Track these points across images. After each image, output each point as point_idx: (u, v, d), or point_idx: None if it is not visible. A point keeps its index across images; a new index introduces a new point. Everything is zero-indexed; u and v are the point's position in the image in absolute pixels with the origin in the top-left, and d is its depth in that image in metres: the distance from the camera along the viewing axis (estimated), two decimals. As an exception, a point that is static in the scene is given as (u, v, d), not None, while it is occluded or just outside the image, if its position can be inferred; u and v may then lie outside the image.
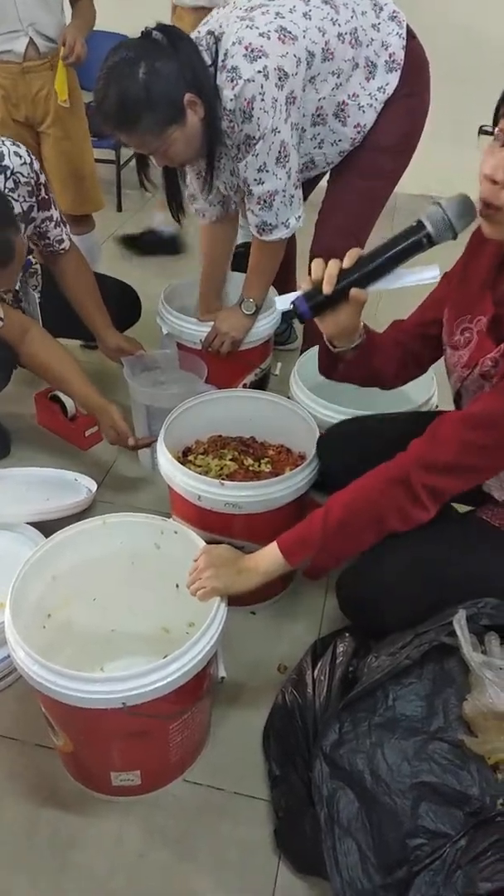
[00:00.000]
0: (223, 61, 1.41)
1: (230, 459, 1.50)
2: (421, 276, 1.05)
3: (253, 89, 1.40)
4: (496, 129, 0.91)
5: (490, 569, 1.15)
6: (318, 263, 1.06)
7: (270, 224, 1.60)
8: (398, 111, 1.62)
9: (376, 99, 1.59)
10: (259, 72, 1.39)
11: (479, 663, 1.07)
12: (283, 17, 1.45)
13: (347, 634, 1.31)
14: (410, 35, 1.60)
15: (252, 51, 1.39)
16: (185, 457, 1.51)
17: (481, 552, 1.16)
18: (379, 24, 1.56)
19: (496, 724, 1.05)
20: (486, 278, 1.08)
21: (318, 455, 1.35)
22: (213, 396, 1.54)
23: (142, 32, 1.40)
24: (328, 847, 1.02)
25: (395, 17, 1.58)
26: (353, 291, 1.05)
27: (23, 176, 1.51)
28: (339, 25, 1.50)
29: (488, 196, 0.92)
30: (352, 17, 1.52)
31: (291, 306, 1.08)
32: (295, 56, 1.44)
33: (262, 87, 1.40)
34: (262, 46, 1.40)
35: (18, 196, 1.52)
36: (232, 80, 1.40)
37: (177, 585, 1.18)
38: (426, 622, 1.14)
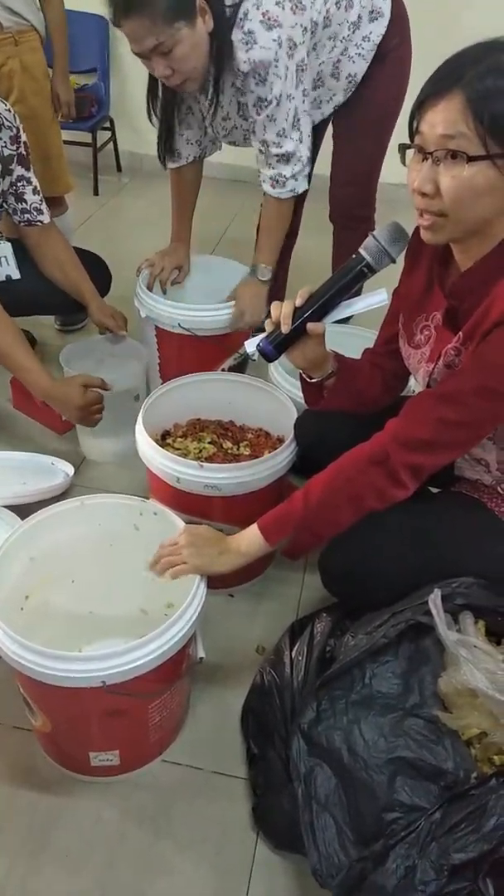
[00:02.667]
0: (241, 19, 1.46)
1: (209, 442, 1.50)
2: (369, 301, 1.14)
3: (268, 56, 1.47)
4: (414, 143, 0.94)
5: (472, 536, 1.18)
6: (275, 305, 1.14)
7: (285, 176, 1.66)
8: (394, 61, 1.73)
9: (363, 48, 1.68)
10: (274, 40, 1.47)
11: (453, 641, 1.09)
12: None
13: (325, 614, 1.32)
14: None
15: (269, 19, 1.46)
16: (163, 440, 1.51)
17: (463, 518, 1.19)
18: None
19: (470, 700, 1.07)
20: (431, 277, 1.12)
21: (296, 437, 1.36)
22: (192, 380, 1.53)
23: None
24: (306, 822, 1.03)
25: None
26: (310, 326, 1.12)
27: (6, 120, 1.48)
28: None
29: (422, 206, 0.96)
30: None
31: (257, 349, 1.15)
32: (302, 26, 1.54)
33: (276, 54, 1.48)
34: (277, 17, 1.46)
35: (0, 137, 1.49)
36: (247, 44, 1.46)
37: (147, 574, 1.17)
38: (402, 601, 1.16)
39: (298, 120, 1.62)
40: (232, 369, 1.85)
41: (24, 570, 1.17)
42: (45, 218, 1.69)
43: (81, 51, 3.23)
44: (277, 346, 1.15)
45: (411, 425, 1.06)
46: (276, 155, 1.64)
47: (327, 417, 1.34)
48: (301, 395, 1.47)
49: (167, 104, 1.69)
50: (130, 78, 3.39)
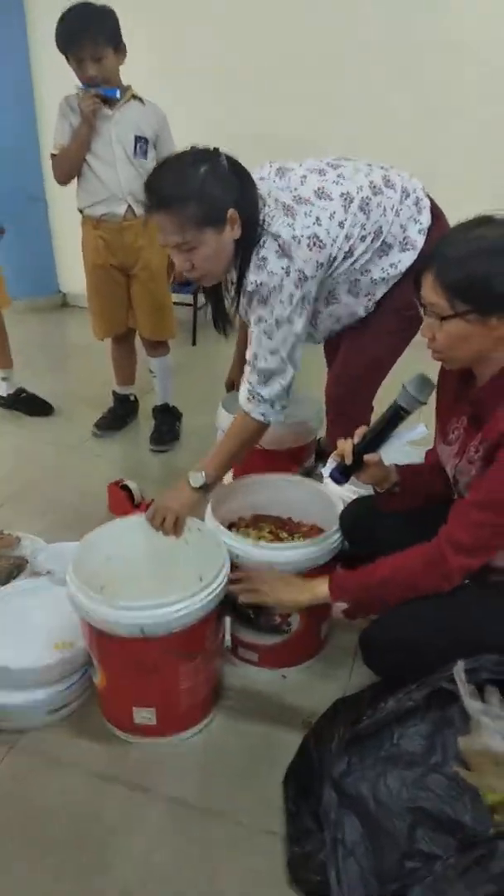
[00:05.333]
0: (260, 246, 1.52)
1: (268, 532, 1.71)
2: (411, 434, 1.42)
3: (273, 281, 1.52)
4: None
5: (501, 620, 1.30)
6: (340, 443, 1.44)
7: (261, 396, 1.62)
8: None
9: (388, 273, 1.69)
10: (283, 269, 1.52)
11: (476, 709, 1.19)
12: (321, 224, 1.54)
13: (367, 691, 1.44)
14: (435, 215, 1.71)
15: (283, 249, 1.51)
16: (229, 529, 1.73)
17: (493, 605, 1.32)
18: (401, 209, 1.66)
19: (492, 765, 1.15)
20: (457, 392, 1.38)
21: (341, 525, 1.56)
22: (255, 480, 1.78)
23: (213, 148, 1.48)
24: (333, 866, 1.12)
25: (419, 202, 1.69)
26: (367, 457, 1.41)
27: None
28: (365, 228, 1.62)
29: (429, 348, 1.26)
30: (381, 215, 1.63)
31: (330, 477, 1.47)
32: (318, 262, 1.56)
33: (281, 281, 1.52)
34: (290, 249, 1.51)
35: None
36: (258, 267, 1.52)
37: (200, 578, 1.39)
38: (432, 675, 1.28)
39: (294, 347, 1.61)
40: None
41: (101, 565, 1.50)
42: None
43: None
44: (344, 474, 1.44)
45: (457, 530, 1.26)
46: (261, 370, 1.61)
47: (366, 509, 1.55)
48: (347, 496, 1.70)
49: (212, 288, 1.70)
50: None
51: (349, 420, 1.65)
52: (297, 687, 1.61)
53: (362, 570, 1.35)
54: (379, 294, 1.73)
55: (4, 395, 2.93)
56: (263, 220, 1.52)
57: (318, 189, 1.59)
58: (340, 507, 1.64)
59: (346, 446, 1.42)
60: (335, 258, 1.60)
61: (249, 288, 1.54)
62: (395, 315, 1.75)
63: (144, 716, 1.43)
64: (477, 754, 1.16)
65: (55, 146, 2.35)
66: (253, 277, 1.53)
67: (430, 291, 1.18)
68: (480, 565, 1.27)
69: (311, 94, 3.50)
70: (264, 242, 1.52)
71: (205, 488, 1.61)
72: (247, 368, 1.65)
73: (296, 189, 1.58)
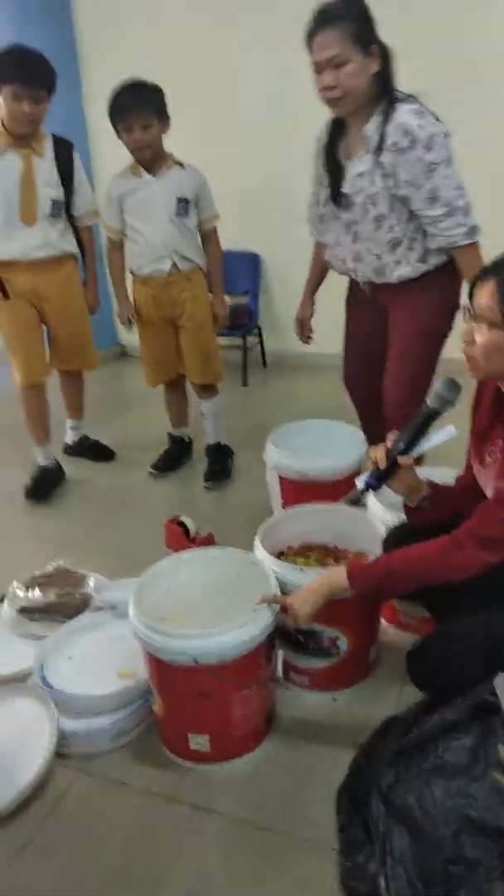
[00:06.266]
0: (398, 100, 1.84)
1: (314, 559, 1.79)
2: (441, 436, 1.49)
3: (433, 128, 1.80)
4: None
5: None
6: (371, 449, 1.53)
7: (470, 225, 1.87)
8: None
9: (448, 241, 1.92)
10: (436, 120, 1.84)
11: (518, 719, 1.23)
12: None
13: (414, 708, 1.48)
14: None
15: (423, 111, 1.85)
16: (278, 558, 1.82)
17: None
18: None
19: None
20: (492, 416, 1.44)
21: (384, 549, 1.62)
22: (302, 510, 1.87)
23: None
24: (382, 875, 1.16)
25: None
26: (400, 459, 1.47)
27: None
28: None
29: (464, 351, 1.33)
30: None
31: (364, 483, 1.53)
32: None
33: (437, 128, 1.81)
34: (429, 116, 1.86)
35: None
36: (416, 114, 1.81)
37: (255, 608, 1.46)
38: (476, 688, 1.32)
39: (461, 188, 1.86)
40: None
41: (161, 597, 1.61)
42: None
43: (238, 278, 4.10)
44: (378, 479, 1.50)
45: (482, 526, 1.33)
46: (463, 206, 1.85)
47: (409, 532, 1.60)
48: (392, 522, 1.76)
49: (317, 188, 2.11)
50: (275, 297, 4.24)
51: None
52: (348, 708, 1.66)
53: (377, 562, 1.43)
54: (430, 262, 1.95)
55: (70, 442, 3.12)
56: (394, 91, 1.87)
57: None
58: (384, 533, 1.71)
59: (379, 451, 1.49)
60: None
61: (419, 135, 1.79)
62: (441, 305, 2.01)
63: (199, 742, 1.49)
64: (517, 763, 1.19)
65: (104, 226, 2.64)
66: (415, 121, 1.79)
67: (489, 296, 1.24)
68: (495, 561, 1.32)
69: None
70: (403, 101, 1.83)
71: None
72: (445, 222, 1.87)
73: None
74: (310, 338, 2.42)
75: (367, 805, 1.30)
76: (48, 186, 2.51)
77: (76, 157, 2.59)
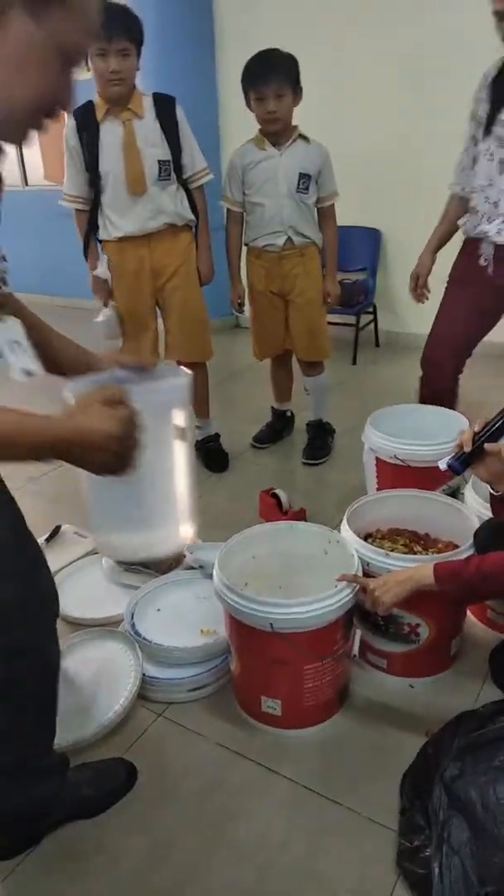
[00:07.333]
0: None
1: (402, 545, 1.77)
2: None
3: None
4: None
5: None
6: (461, 432, 1.47)
7: None
8: None
9: None
10: None
11: None
12: None
13: (491, 705, 1.45)
14: None
15: None
16: (365, 540, 1.82)
17: None
18: None
19: None
20: None
21: (475, 542, 1.58)
22: (393, 495, 1.86)
23: None
24: (437, 862, 1.17)
25: None
26: (487, 445, 1.41)
27: None
28: None
29: None
30: None
31: (448, 465, 1.47)
32: None
33: None
34: None
35: None
36: None
37: (335, 585, 1.47)
38: None
39: None
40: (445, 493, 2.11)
41: (246, 563, 1.67)
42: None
43: (357, 253, 4.04)
44: (462, 463, 1.46)
45: None
46: None
47: (498, 528, 1.55)
48: (487, 514, 1.71)
49: (475, 128, 2.07)
50: (394, 274, 4.13)
51: None
52: (424, 698, 1.66)
53: (469, 561, 1.39)
54: None
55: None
56: None
57: None
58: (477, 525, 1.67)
59: (466, 434, 1.45)
60: None
61: None
62: None
63: (270, 706, 1.55)
64: None
65: (225, 198, 2.62)
66: None
67: None
68: None
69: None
70: None
71: None
72: None
73: None
74: (423, 295, 2.36)
75: (430, 793, 1.31)
76: (153, 147, 2.34)
77: (180, 112, 2.39)
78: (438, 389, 2.31)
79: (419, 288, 2.36)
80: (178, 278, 2.52)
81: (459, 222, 2.21)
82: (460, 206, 2.22)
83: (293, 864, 1.31)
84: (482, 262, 2.10)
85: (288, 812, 1.40)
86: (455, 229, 2.25)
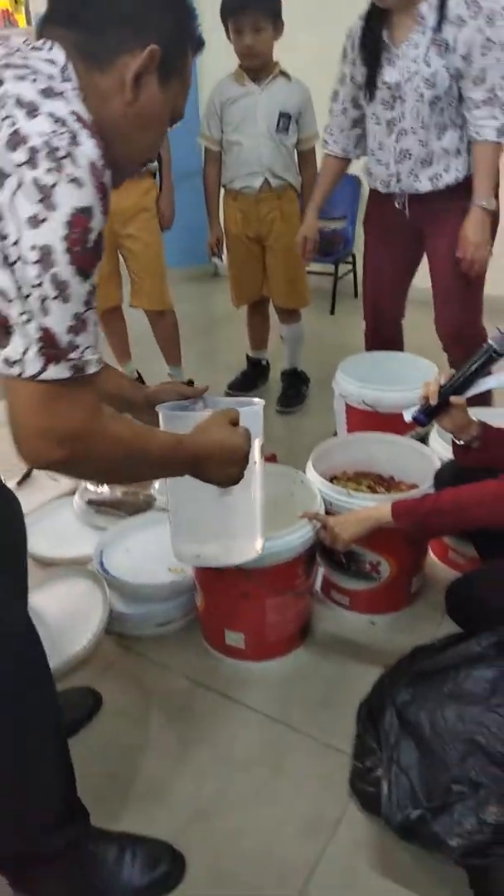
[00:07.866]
0: None
1: (366, 486, 1.81)
2: (500, 378, 1.45)
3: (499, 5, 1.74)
4: None
5: None
6: (424, 384, 1.47)
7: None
8: None
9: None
10: None
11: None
12: None
13: (445, 639, 1.51)
14: None
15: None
16: (330, 482, 1.85)
17: None
18: None
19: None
20: None
21: (436, 483, 1.62)
22: (359, 437, 1.88)
23: None
24: (386, 781, 1.22)
25: None
26: (452, 398, 1.42)
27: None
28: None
29: None
30: None
31: (413, 417, 1.48)
32: None
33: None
34: None
35: None
36: None
37: (295, 523, 1.52)
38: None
39: None
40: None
41: None
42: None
43: (336, 201, 3.97)
44: (427, 415, 1.48)
45: None
46: (501, 100, 1.80)
47: (457, 471, 1.59)
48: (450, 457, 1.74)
49: (346, 90, 2.06)
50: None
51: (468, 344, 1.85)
52: (384, 634, 1.71)
53: (425, 499, 1.43)
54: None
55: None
56: None
57: None
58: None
59: (431, 387, 1.45)
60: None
61: (470, 8, 1.73)
62: None
63: (234, 639, 1.60)
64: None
65: (202, 135, 2.54)
66: None
67: None
68: None
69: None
70: None
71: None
72: (480, 109, 1.84)
73: None
74: (311, 258, 2.40)
75: (382, 717, 1.37)
76: None
77: None
78: (385, 339, 2.35)
79: (308, 253, 2.37)
80: (139, 223, 2.50)
81: (366, 179, 2.19)
82: (338, 164, 2.24)
83: (253, 785, 1.37)
84: (397, 205, 2.09)
85: (249, 738, 1.46)
86: (333, 187, 2.29)
